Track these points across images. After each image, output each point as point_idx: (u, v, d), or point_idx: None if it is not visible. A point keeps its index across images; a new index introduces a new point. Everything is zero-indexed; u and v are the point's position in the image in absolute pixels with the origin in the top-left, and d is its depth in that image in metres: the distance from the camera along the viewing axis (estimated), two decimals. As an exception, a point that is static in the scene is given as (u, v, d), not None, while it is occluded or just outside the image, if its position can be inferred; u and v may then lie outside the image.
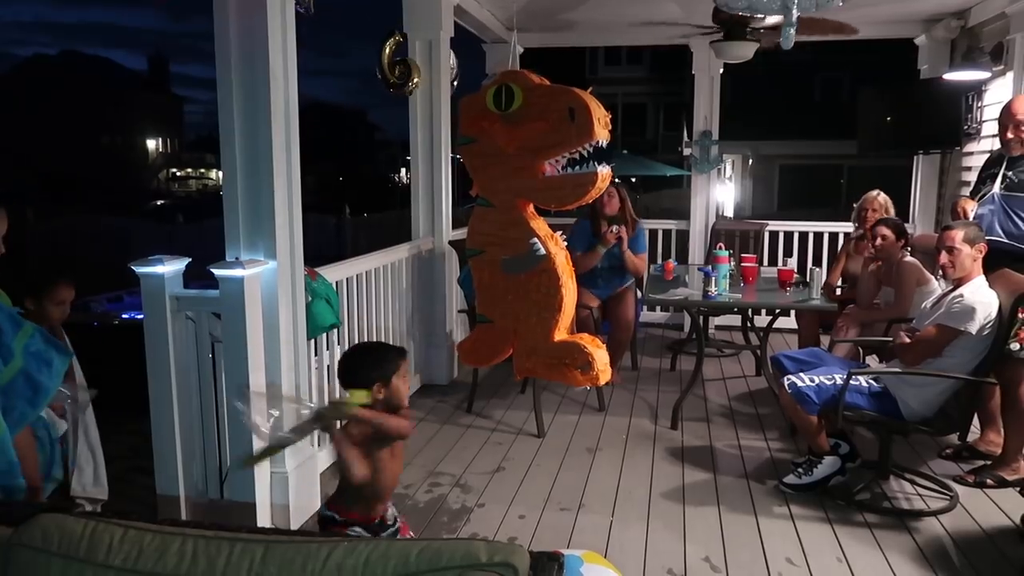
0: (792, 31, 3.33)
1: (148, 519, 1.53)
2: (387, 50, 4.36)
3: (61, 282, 2.75)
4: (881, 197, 4.68)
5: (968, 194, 3.94)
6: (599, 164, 2.99)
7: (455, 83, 5.03)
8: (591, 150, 2.96)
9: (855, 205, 4.82)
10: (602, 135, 2.93)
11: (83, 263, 11.50)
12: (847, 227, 6.22)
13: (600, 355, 3.25)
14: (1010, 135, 3.48)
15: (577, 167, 3.05)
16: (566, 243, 3.56)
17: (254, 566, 1.37)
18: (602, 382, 3.31)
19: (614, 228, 4.61)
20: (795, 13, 3.28)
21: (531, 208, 3.38)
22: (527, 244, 3.28)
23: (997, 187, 3.52)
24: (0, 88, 39.26)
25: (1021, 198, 3.42)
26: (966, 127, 5.22)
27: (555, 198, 3.15)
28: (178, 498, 2.94)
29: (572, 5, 5.44)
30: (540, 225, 3.38)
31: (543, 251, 3.16)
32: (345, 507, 2.09)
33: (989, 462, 3.48)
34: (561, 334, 3.39)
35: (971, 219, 3.52)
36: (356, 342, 3.79)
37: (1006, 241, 3.39)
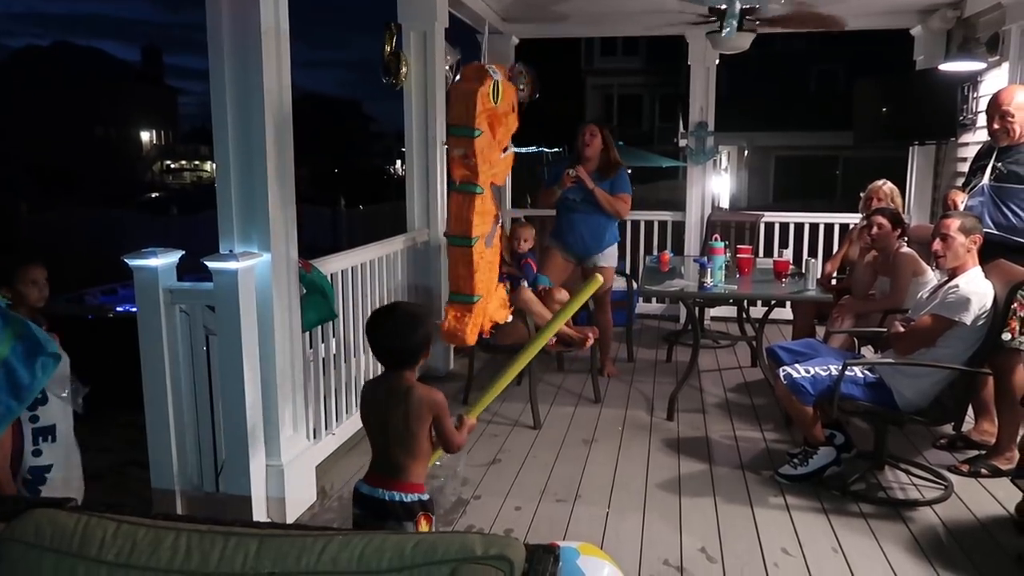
0: (734, 23, 3.34)
1: (143, 513, 1.53)
2: (388, 46, 4.38)
3: (28, 264, 2.72)
4: (887, 187, 4.69)
5: (961, 186, 3.95)
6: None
7: (458, 76, 5.00)
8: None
9: (861, 195, 4.82)
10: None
11: (77, 256, 11.47)
12: (843, 218, 6.25)
13: (461, 315, 3.46)
14: (996, 125, 3.49)
15: (506, 150, 3.62)
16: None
17: (248, 560, 1.36)
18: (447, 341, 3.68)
19: (570, 171, 4.58)
20: (737, 5, 3.29)
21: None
22: (493, 220, 3.61)
23: (987, 178, 3.52)
24: (-8, 80, 39.08)
25: (1010, 189, 3.42)
26: (962, 118, 5.21)
27: (504, 176, 3.78)
28: (173, 492, 2.93)
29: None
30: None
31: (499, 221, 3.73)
32: (421, 482, 2.12)
33: (983, 452, 3.50)
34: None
35: (962, 210, 3.52)
36: (357, 328, 3.76)
37: (997, 232, 3.39)
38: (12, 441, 2.48)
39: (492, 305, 3.69)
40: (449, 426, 2.15)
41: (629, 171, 4.95)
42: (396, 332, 2.10)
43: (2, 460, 2.31)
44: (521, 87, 6.36)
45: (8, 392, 2.11)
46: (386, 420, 2.10)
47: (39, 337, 2.25)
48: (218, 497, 2.93)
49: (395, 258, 4.43)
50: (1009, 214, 3.40)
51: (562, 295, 4.55)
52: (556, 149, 22.79)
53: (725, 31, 3.39)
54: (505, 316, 3.83)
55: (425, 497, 2.11)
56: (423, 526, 2.08)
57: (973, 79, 5.14)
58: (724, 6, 3.43)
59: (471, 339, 3.51)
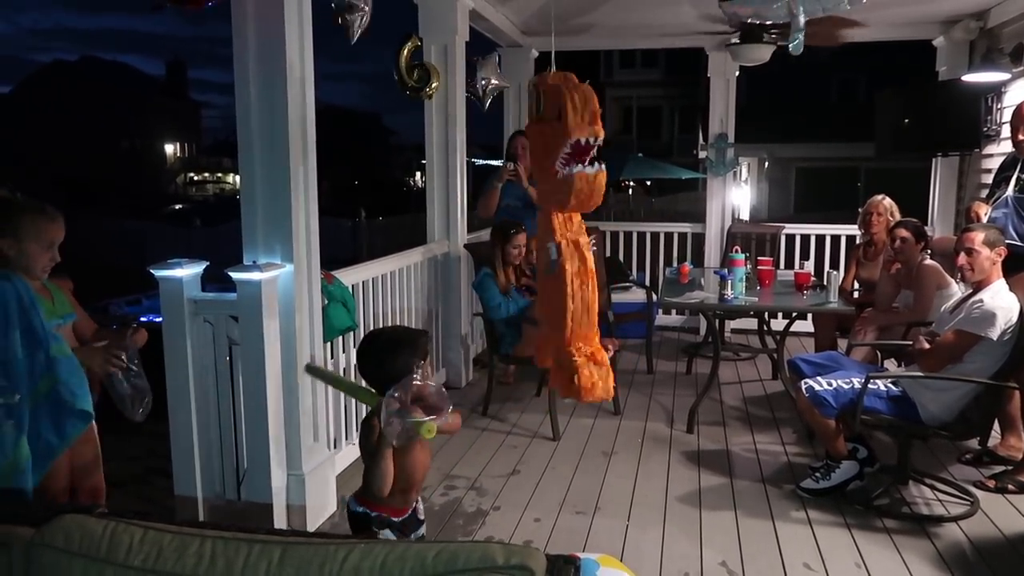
0: (801, 36, 3.29)
1: (167, 520, 1.55)
2: (405, 53, 4.36)
3: (55, 277, 2.45)
4: (886, 201, 4.65)
5: (984, 197, 3.91)
6: (584, 166, 2.87)
7: (495, 94, 5.04)
8: (573, 148, 2.85)
9: (860, 210, 4.78)
10: (582, 133, 2.83)
11: (102, 266, 11.64)
12: (862, 230, 6.19)
13: (590, 370, 3.10)
14: (1021, 136, 3.46)
15: (568, 168, 2.99)
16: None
17: (272, 567, 1.37)
18: (586, 399, 3.15)
19: (509, 165, 4.68)
20: (802, 19, 3.23)
21: (564, 212, 3.26)
22: (547, 248, 3.28)
23: (1011, 190, 3.50)
24: (21, 94, 39.89)
25: None
26: (985, 129, 5.16)
27: (556, 200, 3.06)
28: (196, 499, 2.96)
29: (587, 9, 5.44)
30: (569, 228, 3.24)
31: (555, 255, 3.09)
32: (374, 501, 2.07)
33: (1010, 467, 3.44)
34: (573, 343, 3.29)
35: (985, 222, 3.48)
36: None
37: (1020, 244, 3.35)
38: None
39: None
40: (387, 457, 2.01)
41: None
42: (377, 359, 2.09)
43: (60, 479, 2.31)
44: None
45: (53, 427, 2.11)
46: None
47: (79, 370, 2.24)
48: (240, 505, 2.96)
49: (415, 269, 4.46)
50: None
51: None
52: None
53: (793, 44, 3.35)
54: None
55: (373, 514, 2.08)
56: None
57: (997, 90, 5.10)
58: (787, 20, 3.38)
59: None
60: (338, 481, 3.28)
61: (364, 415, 2.13)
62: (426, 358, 2.12)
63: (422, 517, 2.21)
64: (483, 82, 4.82)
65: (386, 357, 2.07)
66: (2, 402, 1.99)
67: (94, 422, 2.35)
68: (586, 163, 2.74)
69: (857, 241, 4.90)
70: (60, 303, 2.43)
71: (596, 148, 2.76)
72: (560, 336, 3.01)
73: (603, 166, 2.80)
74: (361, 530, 2.08)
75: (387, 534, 2.07)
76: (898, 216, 4.60)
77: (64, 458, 2.23)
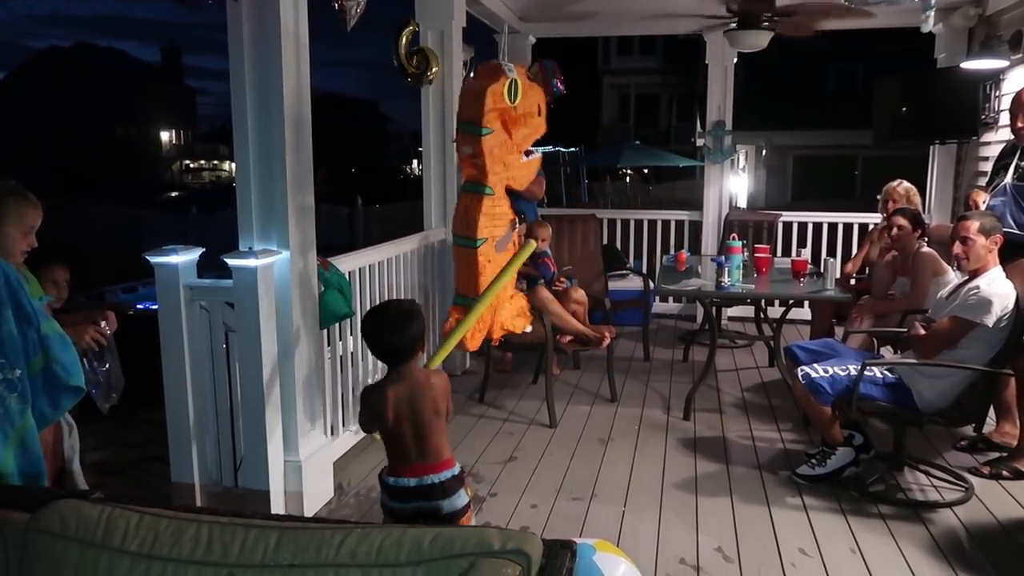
0: (931, 13, 3.35)
1: (164, 506, 1.55)
2: (404, 39, 4.33)
3: (50, 264, 2.52)
4: (902, 187, 4.65)
5: (983, 185, 3.91)
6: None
7: (471, 74, 5.01)
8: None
9: (878, 197, 4.78)
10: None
11: (98, 254, 11.60)
12: (862, 218, 6.21)
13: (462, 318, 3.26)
14: (1020, 124, 3.45)
15: (528, 154, 3.53)
16: None
17: (268, 552, 1.38)
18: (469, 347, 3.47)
19: None
20: None
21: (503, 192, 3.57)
22: (508, 224, 3.52)
23: (1009, 177, 3.49)
24: (15, 80, 39.62)
25: None
26: (983, 117, 5.15)
27: (525, 180, 3.60)
28: (193, 485, 2.97)
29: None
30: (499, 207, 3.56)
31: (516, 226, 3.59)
32: (416, 465, 2.17)
33: (1005, 453, 3.46)
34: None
35: (983, 211, 3.48)
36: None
37: (1018, 232, 3.35)
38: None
39: (505, 313, 3.61)
40: (451, 400, 2.30)
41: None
42: (393, 328, 2.18)
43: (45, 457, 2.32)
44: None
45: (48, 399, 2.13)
46: (418, 411, 2.17)
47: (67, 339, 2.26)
48: (237, 491, 2.97)
49: (411, 257, 4.45)
50: None
51: (579, 294, 4.55)
52: (572, 149, 22.74)
53: (925, 17, 3.43)
54: (523, 326, 3.74)
55: (461, 467, 2.24)
56: (470, 491, 2.28)
57: (995, 77, 5.08)
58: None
59: (472, 344, 3.45)
60: (335, 467, 3.29)
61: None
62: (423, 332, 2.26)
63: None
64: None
65: (404, 324, 2.17)
66: (4, 377, 2.01)
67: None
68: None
69: (878, 224, 4.89)
70: (35, 286, 2.46)
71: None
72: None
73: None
74: (460, 485, 2.20)
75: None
76: (916, 201, 4.61)
77: (49, 435, 2.24)
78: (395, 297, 4.18)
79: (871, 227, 5.17)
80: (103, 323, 2.53)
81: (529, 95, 3.38)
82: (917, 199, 4.66)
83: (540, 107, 3.46)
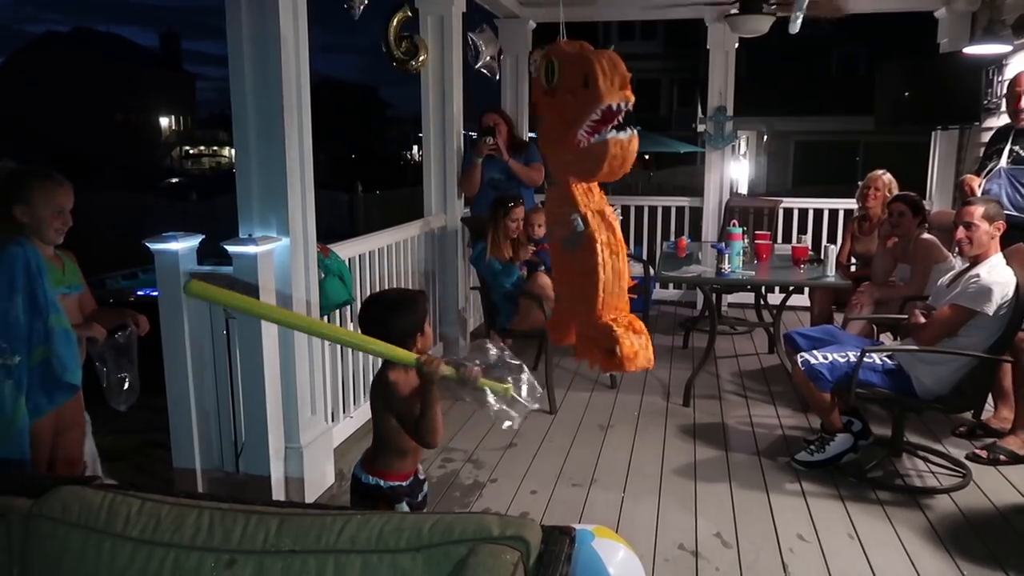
0: (801, 15, 3.32)
1: (166, 492, 1.56)
2: (394, 24, 4.29)
3: (50, 179, 2.36)
4: (886, 177, 4.63)
5: (976, 170, 3.91)
6: (617, 131, 2.85)
7: (500, 65, 5.03)
8: (603, 114, 2.83)
9: (859, 183, 4.77)
10: (613, 98, 2.78)
11: (98, 240, 11.58)
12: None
13: (631, 340, 3.07)
14: (1020, 105, 3.47)
15: (597, 136, 2.98)
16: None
17: (269, 538, 1.39)
18: (629, 369, 3.13)
19: (488, 139, 4.70)
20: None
21: (584, 184, 3.20)
22: (571, 220, 3.23)
23: (1004, 161, 3.51)
24: (13, 66, 39.44)
25: None
26: (986, 102, 5.12)
27: (584, 170, 2.97)
28: (194, 471, 2.98)
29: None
30: (591, 199, 3.17)
31: (581, 227, 3.03)
32: (386, 469, 2.10)
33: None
34: (605, 314, 3.23)
35: (979, 195, 3.49)
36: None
37: (1016, 214, 3.36)
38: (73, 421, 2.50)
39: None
40: (412, 417, 2.02)
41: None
42: (377, 320, 2.09)
43: (44, 446, 2.34)
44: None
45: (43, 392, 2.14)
46: (373, 405, 2.14)
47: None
48: (238, 477, 2.98)
49: (412, 243, 4.44)
50: None
51: None
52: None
53: (793, 22, 3.39)
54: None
55: (389, 484, 2.09)
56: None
57: (998, 62, 5.05)
58: None
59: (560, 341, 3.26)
60: (336, 454, 3.30)
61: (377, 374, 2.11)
62: (425, 318, 2.13)
63: (423, 476, 2.25)
64: (488, 55, 4.81)
65: (390, 317, 2.07)
66: (3, 362, 2.02)
67: (81, 393, 2.38)
68: (617, 129, 2.70)
69: (854, 214, 4.88)
70: (70, 272, 2.48)
71: (624, 113, 2.71)
72: (590, 309, 2.92)
73: (635, 130, 2.75)
74: (371, 502, 2.09)
75: (403, 507, 2.09)
76: (895, 191, 4.59)
77: (49, 425, 2.25)
78: (395, 285, 4.18)
79: (853, 215, 5.12)
80: (129, 328, 2.54)
81: (567, 72, 2.78)
82: (896, 190, 4.60)
83: (583, 79, 3.04)
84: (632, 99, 2.66)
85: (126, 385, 2.58)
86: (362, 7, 3.07)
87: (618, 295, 2.87)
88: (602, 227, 2.96)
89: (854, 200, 6.30)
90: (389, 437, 2.09)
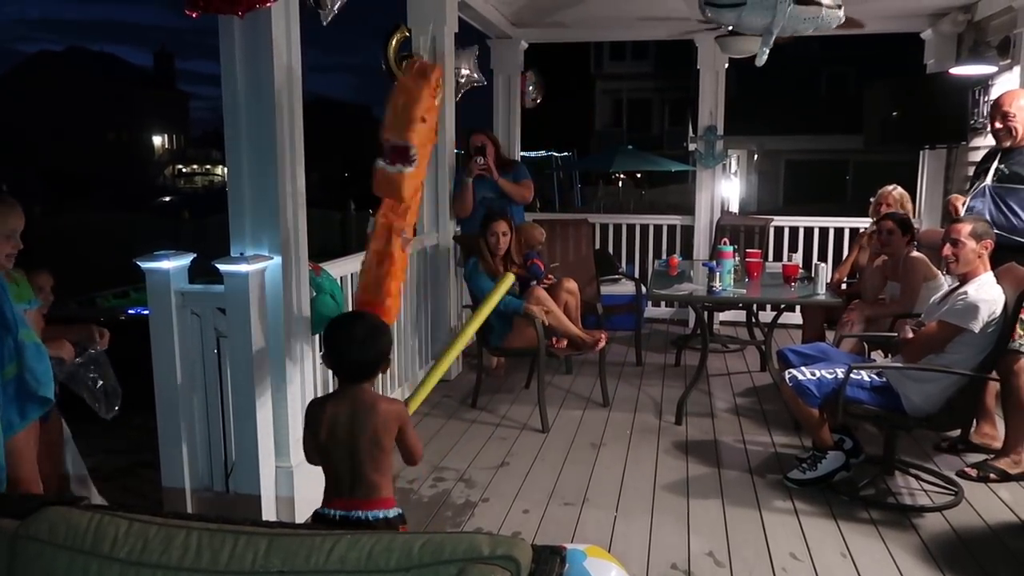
0: (767, 51, 3.40)
1: (154, 512, 1.54)
2: (393, 44, 4.32)
3: (35, 271, 2.50)
4: (897, 191, 4.68)
5: (966, 189, 3.96)
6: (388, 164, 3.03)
7: (466, 88, 5.08)
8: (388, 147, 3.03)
9: (872, 200, 4.81)
10: (390, 136, 2.99)
11: (89, 259, 11.55)
12: (853, 222, 6.24)
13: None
14: (998, 125, 3.54)
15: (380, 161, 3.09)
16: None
17: (258, 559, 1.38)
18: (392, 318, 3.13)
19: (479, 160, 4.79)
20: (774, 35, 3.34)
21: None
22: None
23: (989, 179, 3.57)
24: (7, 85, 39.48)
25: (1012, 189, 3.47)
26: (972, 122, 5.19)
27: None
28: (183, 491, 2.95)
29: (576, 0, 5.43)
30: (394, 215, 3.23)
31: (370, 228, 3.24)
32: (392, 493, 2.08)
33: (991, 455, 3.47)
34: (362, 296, 3.21)
35: (964, 213, 3.53)
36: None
37: (997, 232, 3.39)
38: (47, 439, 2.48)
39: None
40: (413, 436, 2.13)
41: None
42: (361, 343, 2.05)
43: (28, 462, 2.31)
44: (532, 91, 6.41)
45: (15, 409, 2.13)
46: (356, 436, 2.01)
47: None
48: (228, 497, 2.95)
49: (404, 261, 4.44)
50: (1010, 214, 3.46)
51: (571, 284, 4.55)
52: (565, 153, 22.75)
53: (759, 58, 3.47)
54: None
55: (400, 511, 2.07)
56: None
57: (984, 83, 5.12)
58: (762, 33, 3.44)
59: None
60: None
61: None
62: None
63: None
64: (455, 71, 4.83)
65: (372, 341, 2.07)
66: None
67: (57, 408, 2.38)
68: (391, 163, 2.99)
69: (861, 230, 4.93)
70: (24, 288, 2.47)
71: (405, 150, 2.92)
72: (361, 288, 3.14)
73: (408, 168, 2.99)
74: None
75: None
76: (909, 207, 4.65)
77: (26, 440, 2.23)
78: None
79: (861, 231, 5.19)
80: (96, 342, 2.55)
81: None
82: (909, 205, 4.69)
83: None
84: (410, 141, 2.85)
85: (107, 392, 2.58)
86: (331, 15, 3.09)
87: (374, 292, 3.06)
88: (382, 238, 3.16)
89: (840, 218, 6.41)
90: (383, 460, 2.06)
